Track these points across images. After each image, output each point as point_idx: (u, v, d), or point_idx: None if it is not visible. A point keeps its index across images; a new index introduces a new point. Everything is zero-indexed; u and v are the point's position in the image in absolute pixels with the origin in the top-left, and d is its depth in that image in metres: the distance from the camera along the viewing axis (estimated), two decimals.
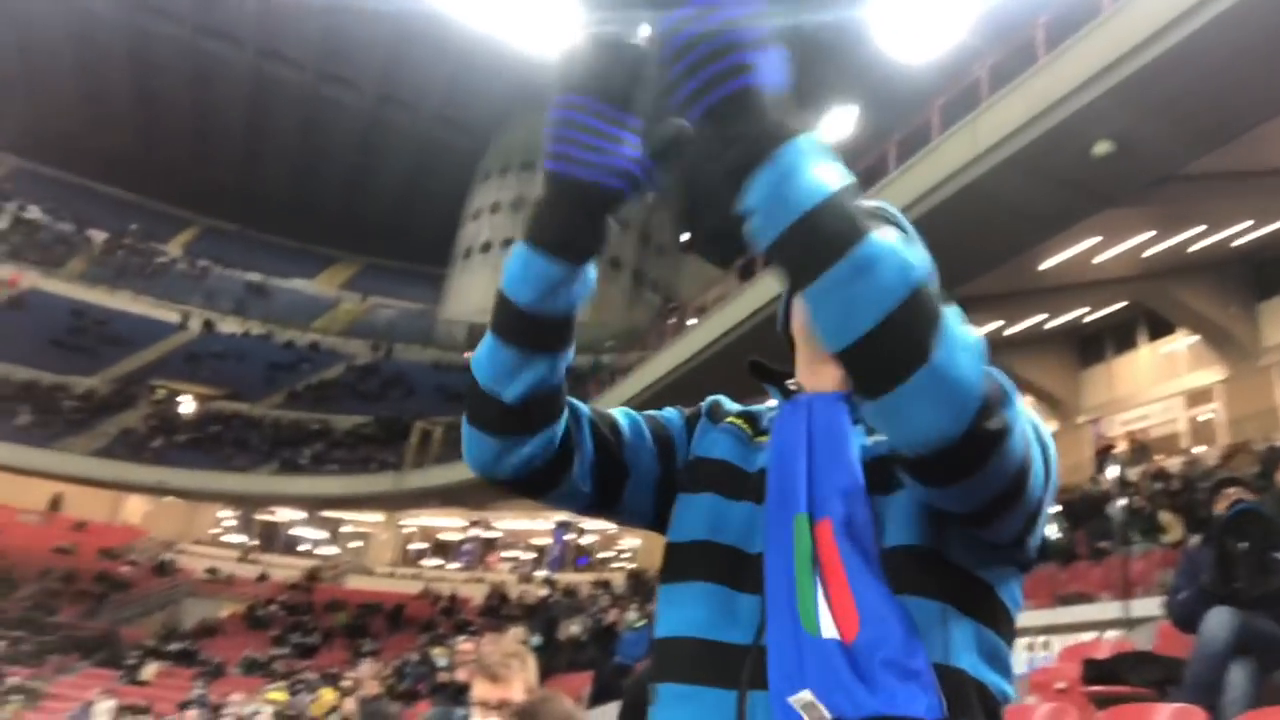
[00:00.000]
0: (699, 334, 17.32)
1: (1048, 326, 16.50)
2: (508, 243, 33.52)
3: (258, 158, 37.44)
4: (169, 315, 32.78)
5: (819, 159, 0.84)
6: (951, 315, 0.82)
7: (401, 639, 19.78)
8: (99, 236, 35.61)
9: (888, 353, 0.79)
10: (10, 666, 18.86)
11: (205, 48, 33.30)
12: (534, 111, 34.05)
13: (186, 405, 28.79)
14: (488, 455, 1.03)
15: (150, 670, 19.54)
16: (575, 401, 1.10)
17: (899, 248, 0.81)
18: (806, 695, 0.92)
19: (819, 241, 0.81)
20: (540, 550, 27.30)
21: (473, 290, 33.07)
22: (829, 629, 0.92)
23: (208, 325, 32.89)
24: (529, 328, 0.98)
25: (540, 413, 1.01)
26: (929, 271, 0.83)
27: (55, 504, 26.27)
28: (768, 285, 15.06)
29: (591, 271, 1.01)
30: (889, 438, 0.86)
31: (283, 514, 29.69)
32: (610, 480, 1.11)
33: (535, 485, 1.06)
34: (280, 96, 34.44)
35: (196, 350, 31.33)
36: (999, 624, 0.99)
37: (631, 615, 11.26)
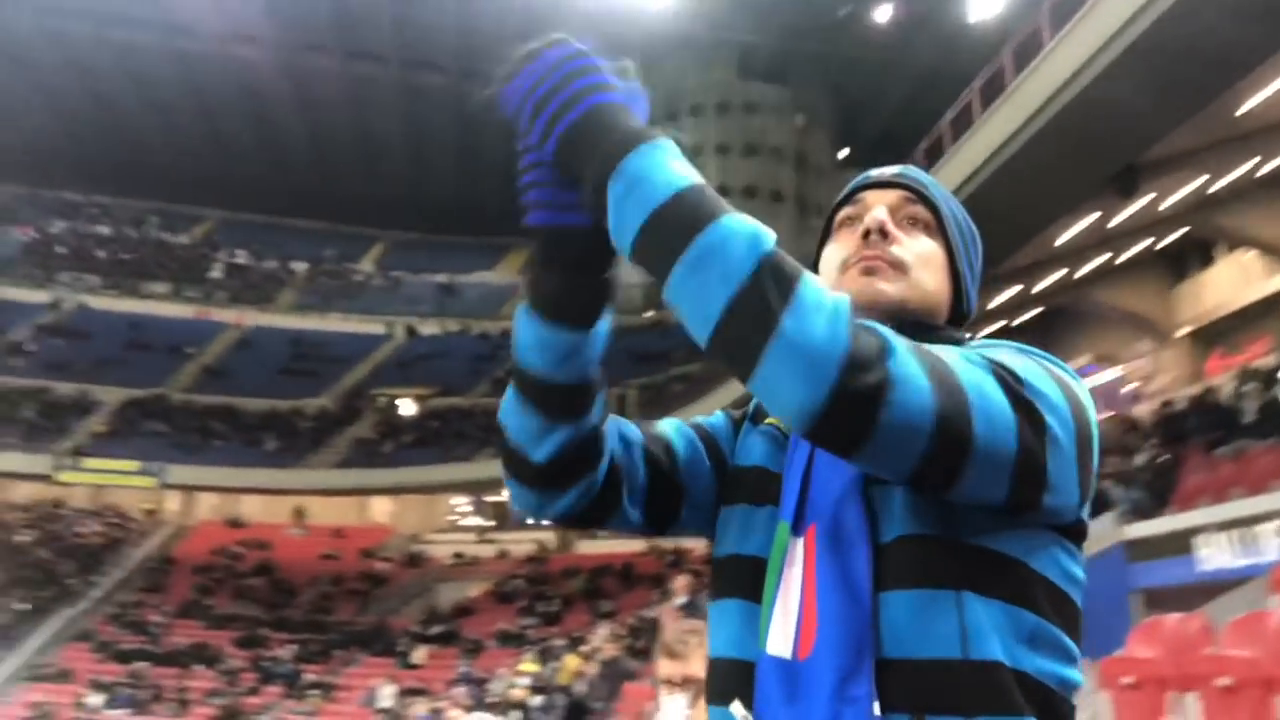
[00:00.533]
0: None
1: (1262, 173, 14.84)
2: None
3: (422, 166, 39.28)
4: (375, 328, 35.23)
5: (666, 160, 0.84)
6: (807, 280, 0.79)
7: (635, 595, 20.64)
8: (300, 268, 38.65)
9: (742, 334, 0.78)
10: (304, 665, 21.24)
11: (356, 72, 35.19)
12: (665, 62, 33.80)
13: (406, 408, 31.04)
14: (530, 504, 1.05)
15: (420, 654, 21.45)
16: (627, 428, 1.10)
17: (743, 224, 0.81)
18: (739, 711, 0.93)
19: (664, 239, 0.81)
20: None
21: None
22: (776, 645, 0.92)
23: (410, 331, 35.13)
24: (546, 396, 0.98)
25: (573, 469, 1.01)
26: (776, 240, 0.82)
27: (299, 515, 29.01)
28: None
29: (603, 331, 0.99)
30: (774, 416, 0.84)
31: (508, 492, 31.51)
32: (665, 504, 1.10)
33: (584, 522, 1.07)
34: (429, 102, 35.88)
35: (404, 356, 33.56)
36: (1039, 601, 0.90)
37: None
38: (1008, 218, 13.41)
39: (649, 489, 1.08)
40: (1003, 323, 19.77)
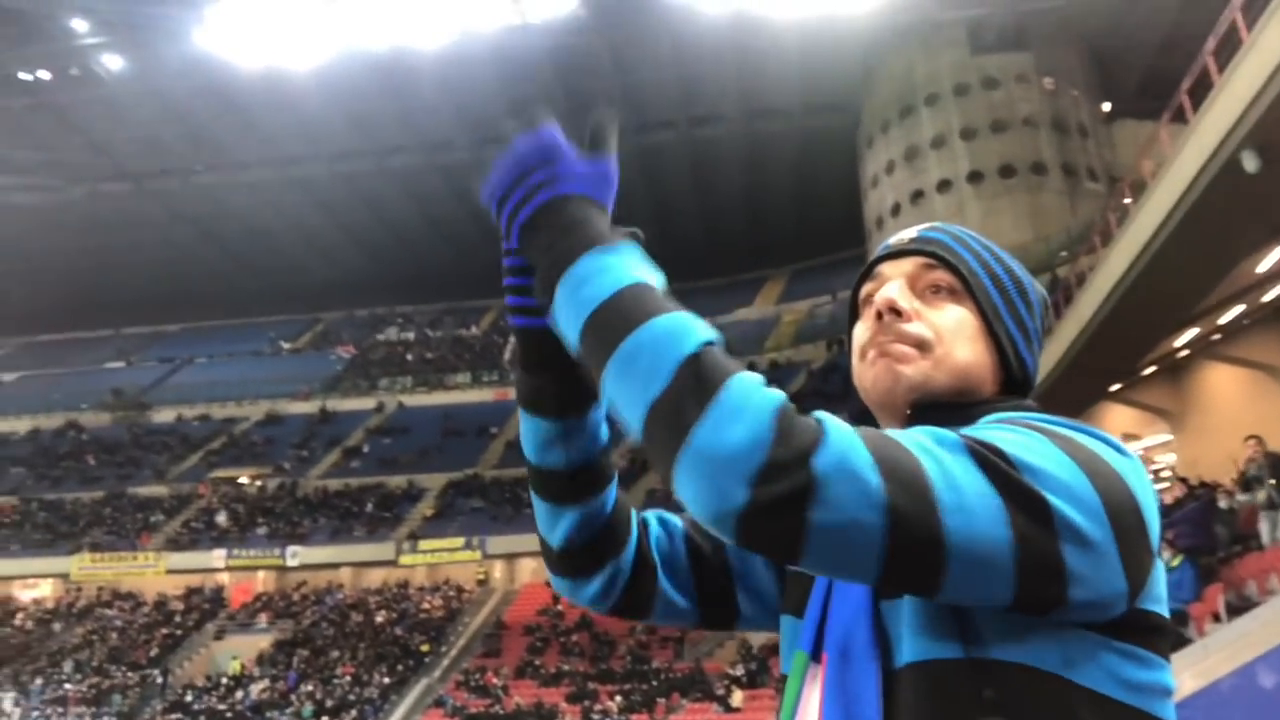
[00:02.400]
0: (1147, 214, 15.02)
1: None
2: (916, 196, 32.42)
3: (667, 219, 40.64)
4: None
5: (616, 261, 0.83)
6: (735, 381, 0.74)
7: None
8: None
9: (659, 440, 0.75)
10: (631, 715, 22.07)
11: None
12: (889, 60, 32.69)
13: None
14: (563, 590, 1.08)
15: (738, 697, 21.58)
16: (669, 517, 1.11)
17: (675, 323, 0.78)
18: None
19: (601, 338, 0.80)
20: None
21: None
22: None
23: None
24: (543, 482, 1.02)
25: (592, 554, 1.03)
26: (708, 338, 0.77)
27: None
28: (1212, 124, 12.73)
29: (595, 420, 1.01)
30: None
31: None
32: (716, 592, 1.08)
33: (625, 613, 1.07)
34: (664, 156, 37.17)
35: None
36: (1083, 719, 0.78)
37: (1165, 555, 9.93)
38: None
39: (697, 578, 1.08)
40: None
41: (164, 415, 40.94)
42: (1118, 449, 0.82)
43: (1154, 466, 23.60)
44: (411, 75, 33.36)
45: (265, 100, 34.80)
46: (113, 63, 33.17)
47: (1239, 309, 18.46)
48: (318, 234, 43.48)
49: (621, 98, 33.62)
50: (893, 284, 0.98)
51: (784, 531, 0.71)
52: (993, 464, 0.75)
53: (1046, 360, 18.86)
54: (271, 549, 30.15)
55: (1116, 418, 23.21)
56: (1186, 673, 7.66)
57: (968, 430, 0.81)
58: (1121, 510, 0.77)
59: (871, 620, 0.85)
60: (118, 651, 29.08)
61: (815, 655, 0.91)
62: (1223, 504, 10.59)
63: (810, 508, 0.70)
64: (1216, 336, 20.07)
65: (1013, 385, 0.98)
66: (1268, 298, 18.32)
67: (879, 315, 0.96)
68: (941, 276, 0.98)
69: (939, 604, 0.80)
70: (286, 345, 47.35)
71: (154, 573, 30.83)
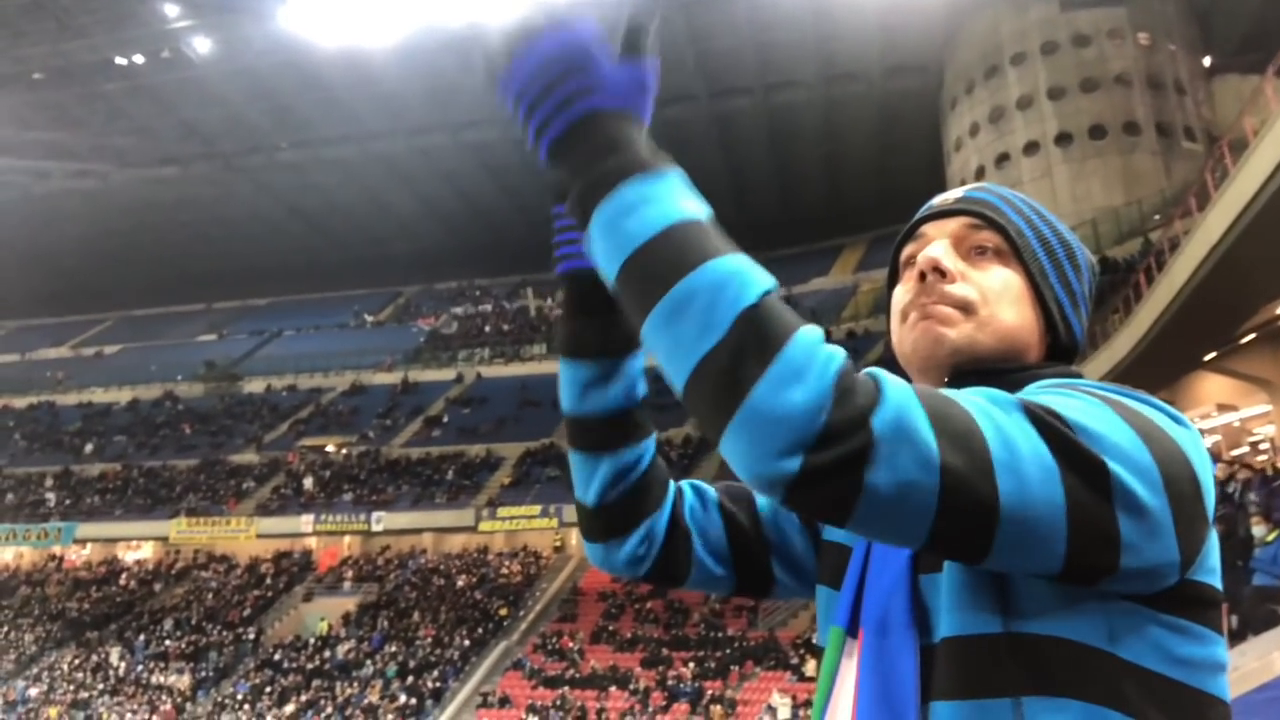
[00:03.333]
0: (1248, 173, 14.24)
1: None
2: (1001, 159, 31.35)
3: (743, 188, 40.18)
4: None
5: (662, 191, 0.77)
6: (798, 337, 0.70)
7: None
8: None
9: (712, 396, 0.70)
10: (705, 681, 22.22)
11: (666, 116, 36.96)
12: (975, 18, 31.56)
13: None
14: (597, 558, 1.07)
15: (812, 665, 21.51)
16: (704, 487, 1.10)
17: (734, 269, 0.72)
18: None
19: (646, 278, 0.74)
20: None
21: None
22: None
23: None
24: (578, 430, 1.02)
25: (626, 510, 1.02)
26: (769, 286, 0.72)
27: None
28: None
29: (634, 369, 1.01)
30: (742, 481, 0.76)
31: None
32: (752, 560, 1.07)
33: (660, 579, 1.06)
34: (741, 125, 36.68)
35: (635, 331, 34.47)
36: (1130, 699, 0.75)
37: (1260, 529, 9.48)
38: None
39: (732, 546, 1.07)
40: None
41: (254, 386, 42.43)
42: (1175, 417, 0.79)
43: (1252, 438, 22.57)
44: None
45: (346, 77, 35.44)
46: (202, 45, 34.15)
47: None
48: (398, 208, 44.29)
49: (696, 61, 33.26)
50: (937, 244, 0.95)
51: (837, 494, 0.68)
52: (1050, 425, 0.72)
53: (1136, 328, 18.15)
54: (357, 515, 31.10)
55: (1212, 387, 22.24)
56: (1278, 652, 7.32)
57: (1020, 393, 0.79)
58: (1179, 478, 0.74)
59: (910, 594, 0.84)
60: (213, 611, 30.46)
61: (852, 630, 0.90)
62: None
63: (867, 469, 0.67)
64: None
65: (1058, 351, 0.95)
66: None
67: (922, 276, 0.93)
68: (988, 237, 0.94)
69: (979, 577, 0.78)
70: (370, 318, 48.53)
71: (245, 537, 32.13)
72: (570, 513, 29.25)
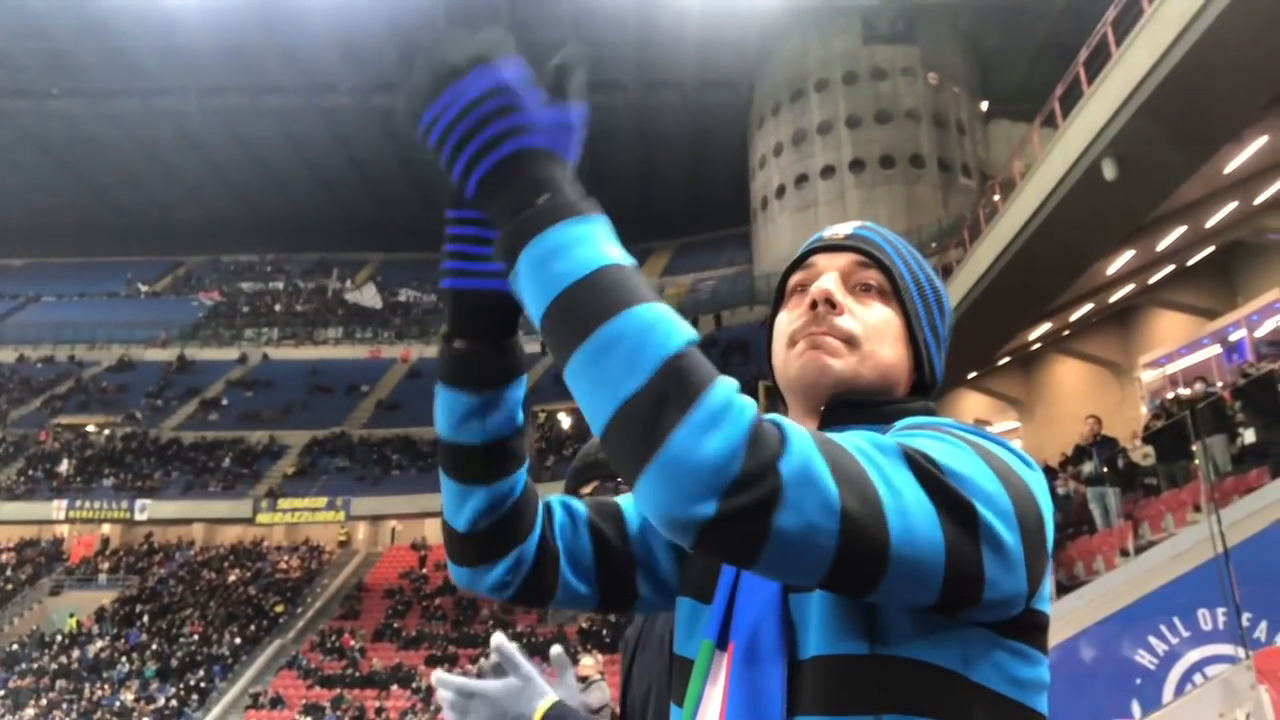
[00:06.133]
0: (1014, 212, 15.73)
1: None
2: (800, 179, 33.05)
3: (592, 182, 40.17)
4: (529, 347, 36.20)
5: (590, 235, 0.78)
6: (715, 387, 0.71)
7: None
8: None
9: (631, 439, 0.71)
10: None
11: None
12: (785, 42, 33.11)
13: (565, 420, 31.72)
14: (463, 580, 1.04)
15: (588, 660, 21.79)
16: (573, 503, 1.10)
17: (656, 317, 0.74)
18: None
19: (571, 319, 0.75)
20: None
21: (780, 238, 32.89)
22: None
23: None
24: (452, 459, 0.99)
25: (496, 537, 1.00)
26: (691, 337, 0.74)
27: None
28: (1079, 131, 13.37)
29: (515, 397, 0.99)
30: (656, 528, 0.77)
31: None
32: (617, 578, 1.08)
33: (526, 600, 1.05)
34: (609, 121, 36.52)
35: (558, 371, 34.45)
36: (976, 718, 0.81)
37: None
38: (1163, 152, 12.27)
39: (599, 564, 1.08)
40: (1172, 267, 18.10)
41: (3, 355, 38.21)
42: (1024, 460, 0.85)
43: None
44: (296, 11, 31.77)
45: (134, 26, 32.54)
46: None
47: (1088, 307, 19.63)
48: (185, 171, 41.13)
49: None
50: (829, 276, 0.99)
51: (746, 537, 0.71)
52: (926, 470, 0.77)
53: None
54: (118, 501, 28.60)
55: (971, 404, 24.40)
56: None
57: (892, 433, 0.85)
58: (1029, 516, 0.80)
59: (781, 613, 0.86)
60: None
61: (721, 644, 0.92)
62: (1060, 490, 11.25)
63: (775, 514, 0.70)
64: (1066, 332, 21.31)
65: (921, 386, 1.01)
66: (1114, 299, 19.55)
67: (813, 305, 0.97)
68: (874, 276, 1.00)
69: (849, 602, 0.82)
70: (144, 287, 44.76)
71: None
72: (360, 505, 28.21)
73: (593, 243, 0.78)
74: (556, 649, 1.33)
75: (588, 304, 0.75)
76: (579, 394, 0.75)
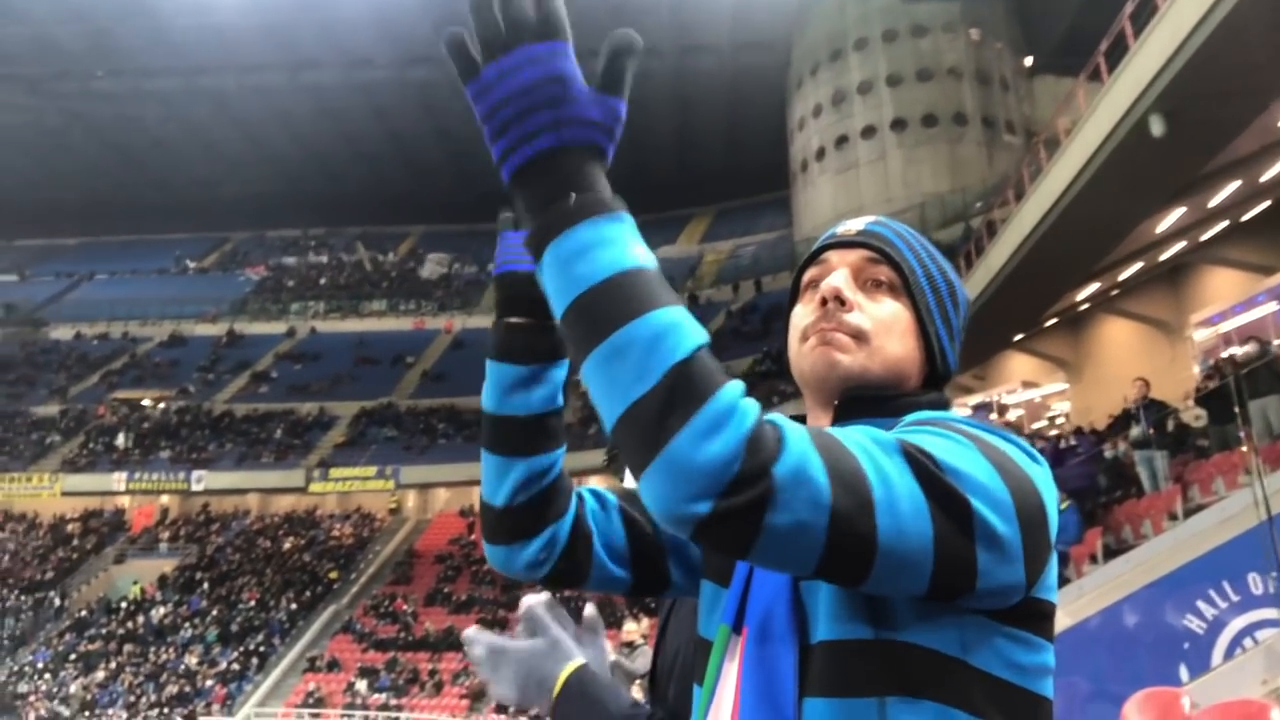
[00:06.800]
0: (1059, 171, 15.41)
1: None
2: (840, 141, 32.58)
3: None
4: None
5: (615, 236, 0.80)
6: (722, 393, 0.75)
7: None
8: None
9: (636, 440, 0.75)
10: None
11: None
12: (823, 2, 32.50)
13: None
14: (498, 560, 1.09)
15: (634, 625, 22.10)
16: (604, 492, 1.14)
17: (671, 322, 0.76)
18: None
19: (590, 320, 0.78)
20: None
21: (820, 200, 32.52)
22: None
23: None
24: (497, 432, 1.04)
25: (533, 514, 1.05)
26: (702, 341, 0.77)
27: None
28: (1125, 86, 13.05)
29: (557, 377, 1.05)
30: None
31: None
32: (650, 562, 1.12)
33: (560, 581, 1.09)
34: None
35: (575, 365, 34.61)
36: (977, 702, 0.85)
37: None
38: (1213, 106, 11.92)
39: (632, 549, 1.11)
40: (1225, 223, 17.65)
41: (61, 333, 39.21)
42: (1029, 453, 0.88)
43: (1050, 412, 24.65)
44: None
45: (173, 5, 32.87)
46: None
47: (1137, 266, 19.22)
48: (227, 149, 41.65)
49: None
50: (839, 273, 1.01)
51: (739, 534, 0.75)
52: (923, 466, 0.79)
53: None
54: (175, 473, 29.41)
55: (1018, 366, 24.10)
56: (1061, 610, 8.08)
57: (897, 429, 0.88)
58: (1029, 509, 0.82)
59: (791, 599, 0.89)
60: (8, 574, 28.19)
61: (737, 628, 0.95)
62: (1108, 453, 11.15)
63: (767, 513, 0.74)
64: (1115, 291, 20.90)
65: (934, 379, 1.04)
66: (1164, 257, 19.11)
67: (824, 302, 1.00)
68: (884, 272, 1.02)
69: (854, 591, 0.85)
70: (192, 264, 45.59)
71: (49, 495, 29.81)
72: (408, 474, 28.70)
73: (617, 244, 0.79)
74: (590, 609, 1.35)
75: (605, 307, 0.77)
76: (594, 390, 0.78)
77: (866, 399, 0.97)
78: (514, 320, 1.04)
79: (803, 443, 0.76)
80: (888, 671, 0.85)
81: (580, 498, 1.12)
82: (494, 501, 1.05)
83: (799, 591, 0.90)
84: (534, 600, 1.27)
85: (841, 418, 0.97)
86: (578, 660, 1.23)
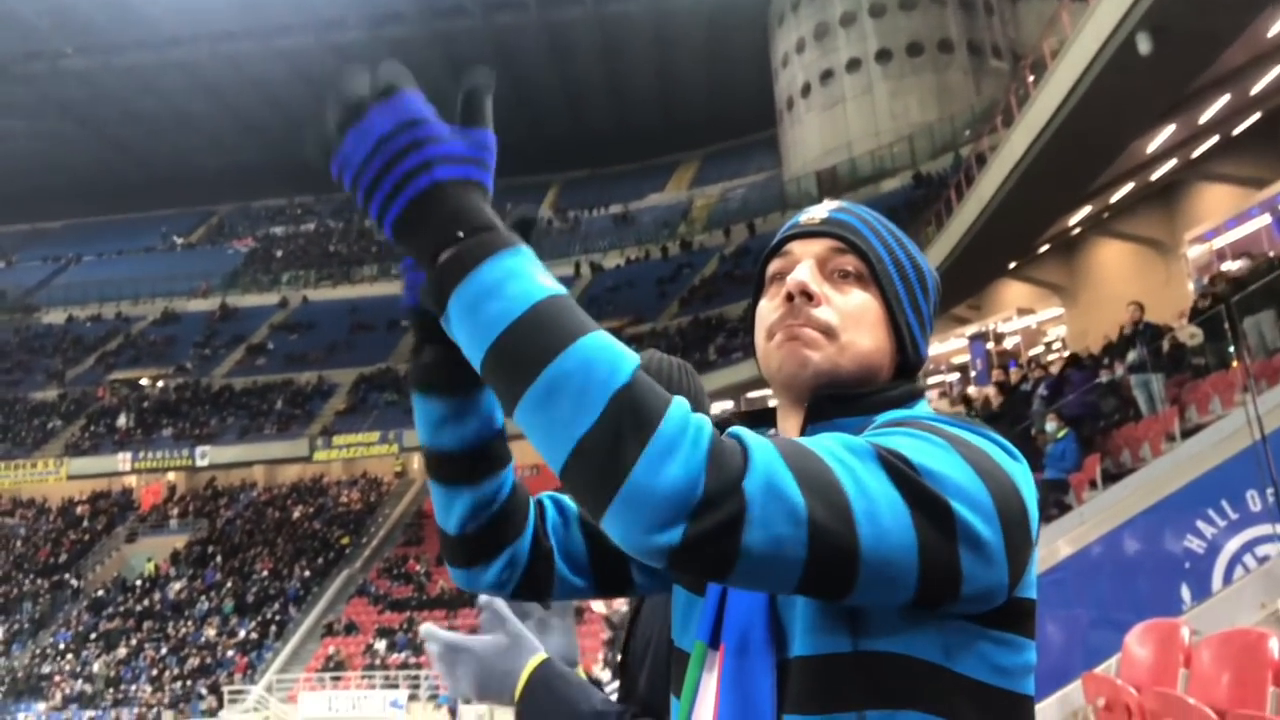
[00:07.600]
0: (1047, 95, 15.20)
1: None
2: (826, 75, 32.13)
3: (577, 103, 39.58)
4: (565, 270, 36.32)
5: (520, 269, 0.76)
6: (674, 410, 0.71)
7: None
8: None
9: (590, 478, 0.71)
10: None
11: (496, 23, 35.63)
12: None
13: None
14: (461, 582, 1.06)
15: None
16: (564, 499, 1.11)
17: (601, 349, 0.72)
18: None
19: (514, 361, 0.73)
20: (963, 368, 26.35)
21: (808, 137, 32.19)
22: None
23: (594, 267, 35.86)
24: (436, 464, 0.99)
25: (487, 539, 1.02)
26: (637, 362, 0.73)
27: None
28: (1110, 3, 12.82)
29: (488, 403, 0.99)
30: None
31: (715, 407, 31.89)
32: (611, 569, 1.10)
33: (524, 597, 1.07)
34: (572, 38, 35.90)
35: (595, 292, 34.40)
36: (960, 708, 0.83)
37: (1051, 425, 10.48)
38: (1200, 19, 11.73)
39: (592, 557, 1.08)
40: (1216, 138, 17.48)
41: (53, 317, 39.08)
42: (1008, 450, 0.85)
43: (1046, 338, 24.69)
44: None
45: None
46: None
47: (1129, 187, 19.09)
48: (206, 121, 41.12)
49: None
50: (804, 265, 0.96)
51: (716, 557, 0.71)
52: (900, 471, 0.76)
53: (948, 239, 19.30)
54: (179, 450, 29.52)
55: (1014, 293, 24.06)
56: (1062, 539, 8.18)
57: (869, 431, 0.84)
58: (1010, 509, 0.79)
59: (768, 614, 0.87)
60: (23, 559, 28.45)
61: (713, 643, 0.93)
62: (1104, 378, 11.16)
63: (743, 531, 0.70)
64: (1107, 214, 20.78)
65: (905, 367, 1.00)
66: (1156, 176, 18.97)
67: (789, 297, 0.95)
68: (850, 261, 0.97)
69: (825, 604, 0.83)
70: (179, 240, 45.25)
71: (55, 479, 29.96)
72: (412, 436, 28.77)
73: (523, 276, 0.75)
74: None
75: (527, 346, 0.73)
76: (531, 435, 0.74)
77: (837, 397, 0.94)
78: (431, 353, 0.96)
79: (768, 454, 0.73)
80: (866, 684, 0.82)
81: (540, 508, 1.08)
82: (446, 529, 1.01)
83: (776, 605, 0.88)
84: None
85: (814, 416, 0.94)
86: (540, 655, 1.19)
